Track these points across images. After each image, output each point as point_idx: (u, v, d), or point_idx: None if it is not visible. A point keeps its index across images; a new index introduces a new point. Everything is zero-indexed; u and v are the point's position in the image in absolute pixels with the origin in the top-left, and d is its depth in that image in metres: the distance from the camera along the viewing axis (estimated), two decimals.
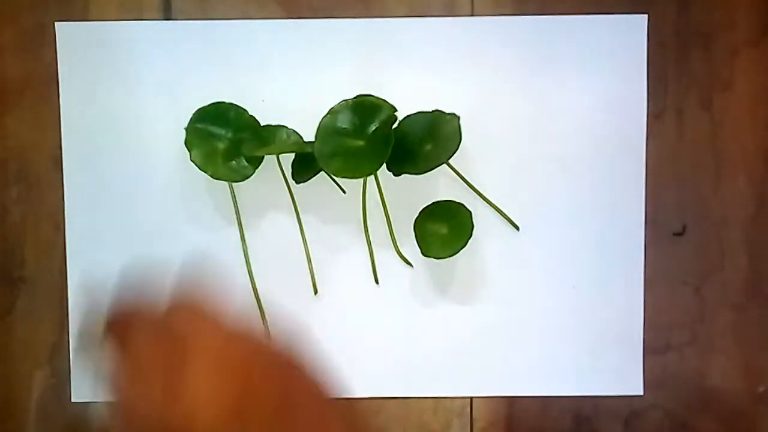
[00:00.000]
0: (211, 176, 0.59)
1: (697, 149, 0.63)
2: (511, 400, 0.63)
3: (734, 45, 0.62)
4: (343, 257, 0.62)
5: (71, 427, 0.63)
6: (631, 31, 0.62)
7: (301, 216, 0.62)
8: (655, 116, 0.62)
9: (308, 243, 0.62)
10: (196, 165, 0.59)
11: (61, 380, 0.63)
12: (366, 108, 0.59)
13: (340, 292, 0.63)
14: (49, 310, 0.63)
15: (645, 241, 0.62)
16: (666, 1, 0.62)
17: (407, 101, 0.59)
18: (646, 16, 0.62)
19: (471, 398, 0.63)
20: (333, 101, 0.59)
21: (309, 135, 0.60)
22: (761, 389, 0.63)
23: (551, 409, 0.63)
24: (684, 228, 0.63)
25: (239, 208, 0.62)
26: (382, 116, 0.59)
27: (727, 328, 0.63)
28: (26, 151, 0.63)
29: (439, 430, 0.63)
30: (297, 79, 0.62)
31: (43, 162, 0.63)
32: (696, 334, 0.63)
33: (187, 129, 0.60)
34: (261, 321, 0.62)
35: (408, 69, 0.62)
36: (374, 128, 0.59)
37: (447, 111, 0.59)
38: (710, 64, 0.62)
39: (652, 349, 0.63)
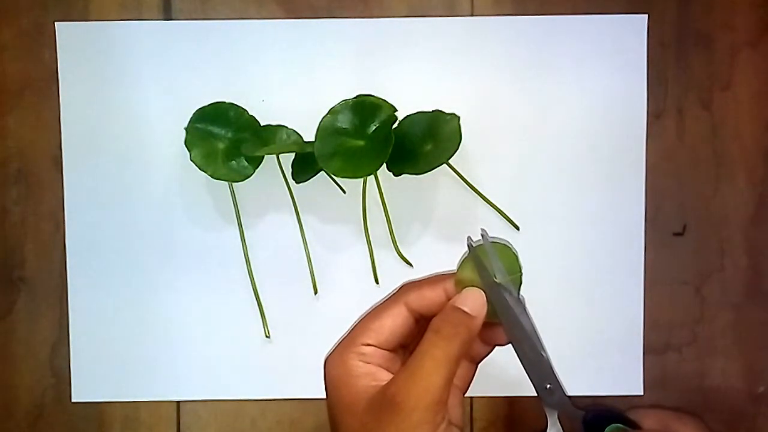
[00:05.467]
0: (211, 176, 0.59)
1: (697, 149, 0.63)
2: (511, 400, 0.63)
3: (734, 45, 0.62)
4: (343, 257, 0.62)
5: (71, 427, 0.63)
6: (631, 31, 0.62)
7: (301, 216, 0.62)
8: (655, 116, 0.62)
9: (308, 243, 0.62)
10: (196, 165, 0.59)
11: (61, 380, 0.63)
12: (366, 108, 0.59)
13: (340, 292, 0.63)
14: (49, 310, 0.63)
15: (645, 241, 0.62)
16: (666, 1, 0.62)
17: (407, 101, 0.59)
18: (646, 16, 0.62)
19: (471, 398, 0.63)
20: (333, 101, 0.59)
21: (309, 135, 0.60)
22: (761, 389, 0.63)
23: None
24: (684, 228, 0.63)
25: (239, 208, 0.62)
26: (382, 116, 0.59)
27: (727, 328, 0.63)
28: (26, 151, 0.63)
29: None
30: (297, 79, 0.62)
31: (43, 162, 0.63)
32: (696, 334, 0.63)
33: (187, 129, 0.60)
34: (262, 322, 0.63)
35: (408, 69, 0.62)
36: (374, 128, 0.59)
37: (447, 111, 0.59)
38: (710, 64, 0.62)
39: (652, 349, 0.63)
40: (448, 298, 0.43)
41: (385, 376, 0.42)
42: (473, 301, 0.42)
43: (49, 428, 0.63)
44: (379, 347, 0.43)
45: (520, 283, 0.44)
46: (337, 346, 0.44)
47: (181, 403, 0.63)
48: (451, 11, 0.62)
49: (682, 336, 0.63)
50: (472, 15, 0.62)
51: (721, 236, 0.63)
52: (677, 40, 0.62)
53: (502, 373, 0.63)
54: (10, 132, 0.63)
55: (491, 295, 0.43)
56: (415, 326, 0.44)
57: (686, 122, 0.62)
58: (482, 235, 0.44)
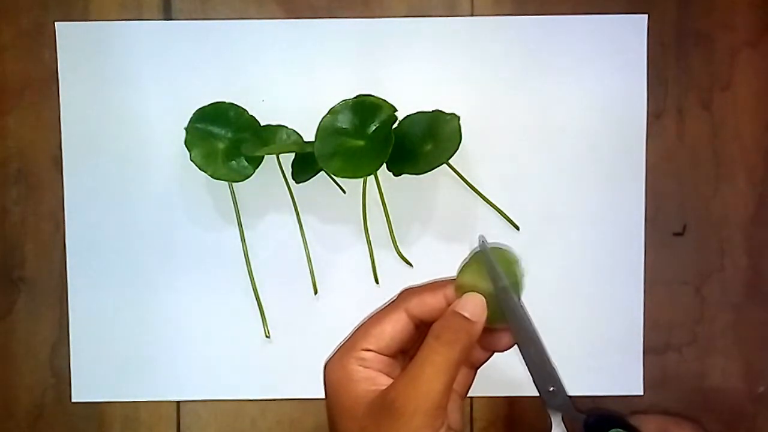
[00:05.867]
0: (211, 176, 0.59)
1: (697, 149, 0.63)
2: (511, 400, 0.63)
3: (734, 45, 0.62)
4: (343, 257, 0.62)
5: (71, 427, 0.63)
6: (631, 31, 0.62)
7: (301, 216, 0.62)
8: (655, 116, 0.62)
9: (308, 243, 0.62)
10: (196, 165, 0.59)
11: (61, 380, 0.63)
12: (366, 108, 0.59)
13: (340, 292, 0.63)
14: (49, 310, 0.63)
15: (645, 241, 0.62)
16: (666, 1, 0.62)
17: (407, 101, 0.59)
18: (646, 16, 0.62)
19: (471, 398, 0.63)
20: (333, 101, 0.59)
21: (309, 135, 0.60)
22: (761, 389, 0.63)
23: None
24: (684, 228, 0.63)
25: (239, 208, 0.62)
26: (382, 116, 0.59)
27: (727, 328, 0.63)
28: (26, 151, 0.63)
29: None
30: (297, 79, 0.62)
31: (43, 162, 0.63)
32: (696, 334, 0.63)
33: (187, 129, 0.60)
34: (262, 321, 0.63)
35: (408, 69, 0.62)
36: (374, 128, 0.59)
37: (447, 111, 0.59)
38: (710, 64, 0.62)
39: (652, 349, 0.63)
40: (449, 304, 0.43)
41: (384, 381, 0.42)
42: (473, 306, 0.43)
43: (49, 428, 0.63)
44: (379, 353, 0.43)
45: (522, 288, 0.44)
46: (337, 351, 0.44)
47: (181, 403, 0.63)
48: (451, 11, 0.62)
49: (682, 336, 0.63)
50: (472, 15, 0.62)
51: (721, 236, 0.63)
52: (677, 40, 0.62)
53: (502, 373, 0.63)
54: (10, 132, 0.63)
55: (494, 299, 0.43)
56: (415, 332, 0.44)
57: (686, 122, 0.62)
58: (482, 241, 0.44)
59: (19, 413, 0.63)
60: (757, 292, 0.63)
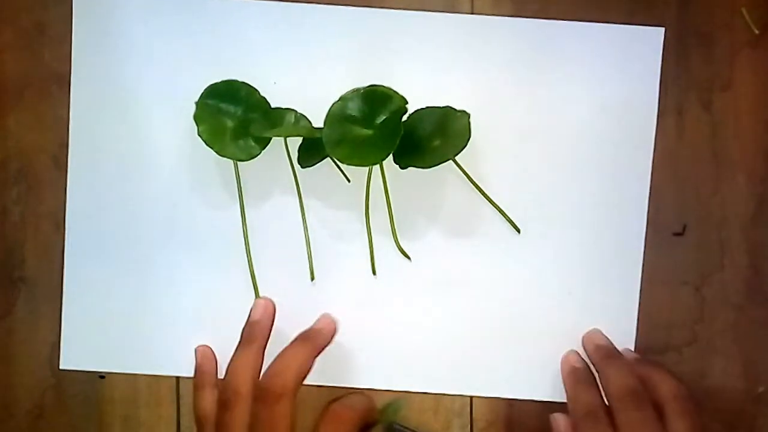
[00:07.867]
0: (217, 153, 0.59)
1: (697, 149, 0.63)
2: (511, 400, 0.63)
3: (734, 45, 0.62)
4: (342, 246, 0.62)
5: (71, 427, 0.63)
6: (644, 40, 0.61)
7: (303, 202, 0.62)
8: None
9: (309, 228, 0.62)
10: (203, 140, 0.58)
11: (61, 380, 0.63)
12: (377, 97, 0.59)
13: (337, 280, 0.62)
14: (49, 310, 0.63)
15: (645, 241, 0.62)
16: (666, 1, 0.62)
17: (416, 96, 0.59)
18: (662, 29, 0.61)
19: (471, 398, 0.63)
20: (344, 90, 0.59)
21: (318, 123, 0.60)
22: (761, 389, 0.63)
23: (551, 410, 0.63)
24: (684, 228, 0.63)
25: (243, 189, 0.62)
26: (392, 107, 0.58)
27: (727, 328, 0.63)
28: (26, 151, 0.63)
29: (438, 429, 0.63)
30: (309, 65, 0.62)
31: (43, 162, 0.63)
32: (696, 334, 0.63)
33: (197, 103, 0.60)
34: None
35: (420, 64, 0.62)
36: (383, 118, 0.58)
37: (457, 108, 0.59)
38: (710, 64, 0.62)
39: (651, 350, 0.63)
40: None
41: None
42: None
43: (49, 428, 0.63)
44: None
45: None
46: None
47: (181, 403, 0.63)
48: (451, 9, 0.62)
49: (682, 336, 0.63)
50: (472, 13, 0.62)
51: (721, 236, 0.63)
52: (677, 40, 0.62)
53: (502, 373, 0.63)
54: (10, 132, 0.63)
55: None
56: None
57: (686, 122, 0.62)
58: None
59: (19, 413, 0.63)
60: (757, 292, 0.63)
